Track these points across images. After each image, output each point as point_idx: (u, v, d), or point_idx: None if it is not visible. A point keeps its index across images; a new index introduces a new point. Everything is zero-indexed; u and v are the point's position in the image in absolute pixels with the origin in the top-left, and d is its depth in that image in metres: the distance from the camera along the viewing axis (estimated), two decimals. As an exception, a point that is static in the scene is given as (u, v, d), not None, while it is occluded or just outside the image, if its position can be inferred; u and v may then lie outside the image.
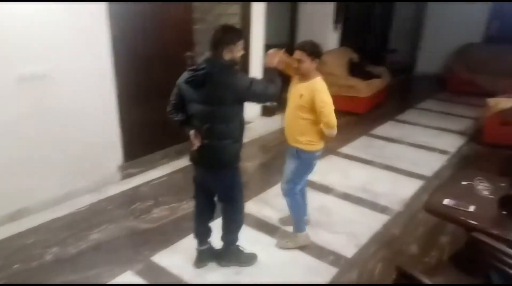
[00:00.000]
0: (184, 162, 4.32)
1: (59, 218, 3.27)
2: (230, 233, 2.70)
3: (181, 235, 3.06)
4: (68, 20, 3.14)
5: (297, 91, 2.62)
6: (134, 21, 3.73)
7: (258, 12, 4.75)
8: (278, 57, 2.47)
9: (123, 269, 2.71)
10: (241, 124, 2.42)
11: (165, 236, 3.07)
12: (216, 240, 2.77)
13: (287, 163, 2.86)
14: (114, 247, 2.96)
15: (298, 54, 2.54)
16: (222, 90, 2.24)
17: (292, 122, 2.71)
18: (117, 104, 3.72)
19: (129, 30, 3.70)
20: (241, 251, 2.77)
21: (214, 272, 2.70)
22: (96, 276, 2.65)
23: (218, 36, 2.28)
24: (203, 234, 2.74)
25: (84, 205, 3.46)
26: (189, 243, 2.95)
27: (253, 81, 2.31)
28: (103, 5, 3.36)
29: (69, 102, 3.32)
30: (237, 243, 2.76)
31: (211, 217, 2.72)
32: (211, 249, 2.78)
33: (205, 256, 2.77)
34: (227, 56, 2.27)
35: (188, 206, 3.48)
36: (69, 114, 3.34)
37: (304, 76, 2.60)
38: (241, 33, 2.37)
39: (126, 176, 3.95)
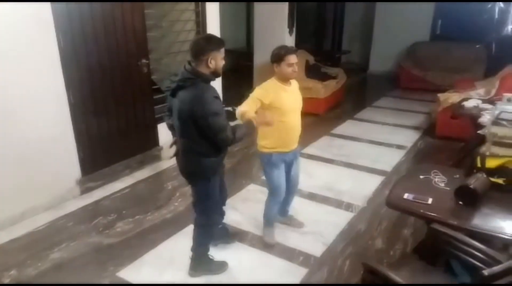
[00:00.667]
0: (147, 172, 4.23)
1: (17, 238, 3.10)
2: (201, 244, 2.66)
3: (148, 247, 2.99)
4: (13, 32, 2.99)
5: (295, 93, 2.83)
6: (85, 30, 3.59)
7: (212, 17, 4.74)
8: (268, 122, 2.50)
9: (88, 287, 2.61)
10: (215, 143, 2.30)
11: (131, 250, 2.98)
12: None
13: (281, 171, 2.89)
14: (77, 266, 2.83)
15: (295, 58, 2.65)
16: (187, 106, 2.19)
17: (298, 122, 2.85)
18: (71, 116, 3.58)
19: (79, 40, 3.55)
20: (211, 260, 2.74)
21: (185, 282, 2.65)
22: (60, 298, 2.53)
23: (201, 44, 2.23)
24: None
25: (43, 223, 3.29)
26: (157, 255, 2.90)
27: (217, 115, 2.17)
28: (50, 14, 3.21)
29: (18, 118, 3.16)
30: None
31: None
32: (224, 229, 2.96)
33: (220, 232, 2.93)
34: (211, 64, 2.21)
35: (153, 217, 3.41)
36: (20, 130, 3.18)
37: (290, 79, 2.75)
38: (222, 41, 2.30)
39: (86, 190, 3.80)
